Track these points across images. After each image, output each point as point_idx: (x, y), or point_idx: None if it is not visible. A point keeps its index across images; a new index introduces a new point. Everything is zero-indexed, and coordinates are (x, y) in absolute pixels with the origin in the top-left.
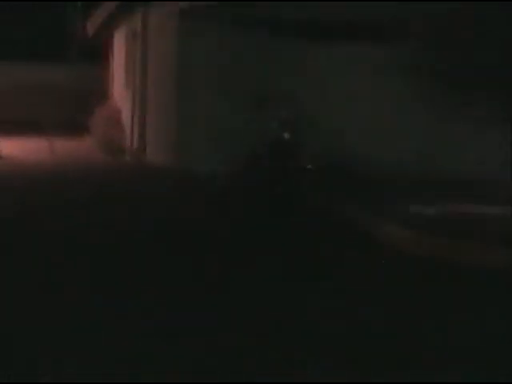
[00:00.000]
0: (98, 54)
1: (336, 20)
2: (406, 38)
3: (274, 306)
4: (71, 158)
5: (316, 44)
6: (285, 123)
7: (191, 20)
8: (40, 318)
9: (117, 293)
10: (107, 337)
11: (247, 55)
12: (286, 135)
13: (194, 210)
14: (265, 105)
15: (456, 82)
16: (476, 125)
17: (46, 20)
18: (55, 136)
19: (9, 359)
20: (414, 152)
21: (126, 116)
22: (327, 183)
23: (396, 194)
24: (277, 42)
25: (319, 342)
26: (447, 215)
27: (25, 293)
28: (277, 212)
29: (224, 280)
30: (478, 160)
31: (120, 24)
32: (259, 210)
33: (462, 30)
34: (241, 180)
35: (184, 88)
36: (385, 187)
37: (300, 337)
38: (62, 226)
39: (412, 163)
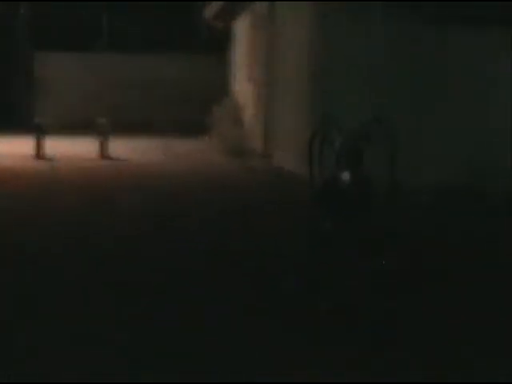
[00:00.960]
0: (216, 43)
1: None
2: None
3: None
4: (191, 161)
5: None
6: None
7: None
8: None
9: None
10: None
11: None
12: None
13: None
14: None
15: None
16: None
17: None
18: (170, 136)
19: None
20: None
21: (249, 114)
22: None
23: None
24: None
25: None
26: None
27: None
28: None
29: None
30: None
31: (242, 10)
32: None
33: None
34: None
35: (321, 82)
36: None
37: None
38: None
39: None
